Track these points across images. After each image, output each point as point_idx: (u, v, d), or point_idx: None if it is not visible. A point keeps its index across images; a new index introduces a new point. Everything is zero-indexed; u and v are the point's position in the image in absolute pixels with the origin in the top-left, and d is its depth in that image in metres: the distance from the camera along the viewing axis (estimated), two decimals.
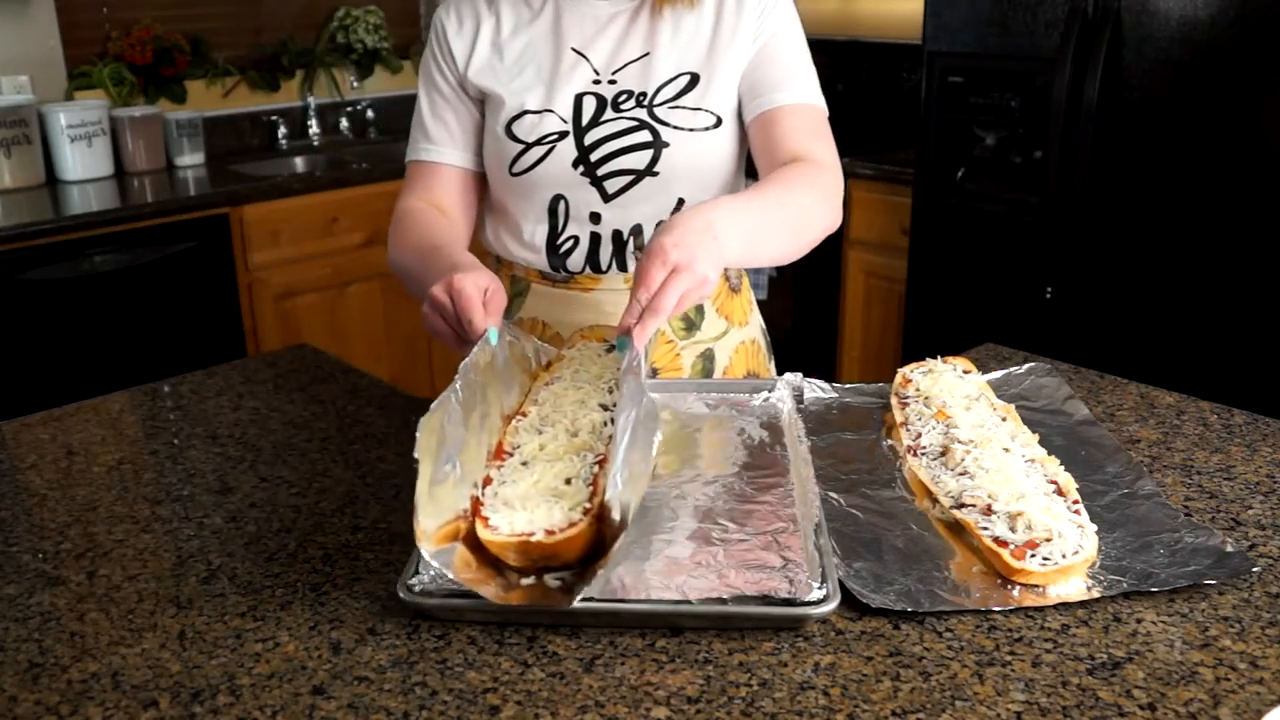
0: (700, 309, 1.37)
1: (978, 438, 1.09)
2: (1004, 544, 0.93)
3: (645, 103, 1.29)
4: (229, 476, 1.17)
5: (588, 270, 1.33)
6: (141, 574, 0.98)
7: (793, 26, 1.34)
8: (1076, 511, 0.97)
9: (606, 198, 1.30)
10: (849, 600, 0.90)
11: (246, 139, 3.48)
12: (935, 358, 1.31)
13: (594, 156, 1.28)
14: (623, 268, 1.33)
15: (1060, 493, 1.00)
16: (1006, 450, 1.07)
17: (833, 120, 1.36)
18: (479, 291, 1.05)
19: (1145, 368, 2.52)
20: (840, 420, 1.24)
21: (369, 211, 3.11)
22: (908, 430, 1.16)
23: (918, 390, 1.23)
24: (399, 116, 3.77)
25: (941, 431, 1.12)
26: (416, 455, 0.85)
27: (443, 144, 1.37)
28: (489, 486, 0.94)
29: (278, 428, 1.30)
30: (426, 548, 0.84)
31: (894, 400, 1.23)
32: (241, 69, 3.43)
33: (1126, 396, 1.35)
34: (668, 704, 0.79)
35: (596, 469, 0.95)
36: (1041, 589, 0.91)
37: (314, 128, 3.59)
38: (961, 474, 1.04)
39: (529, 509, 0.89)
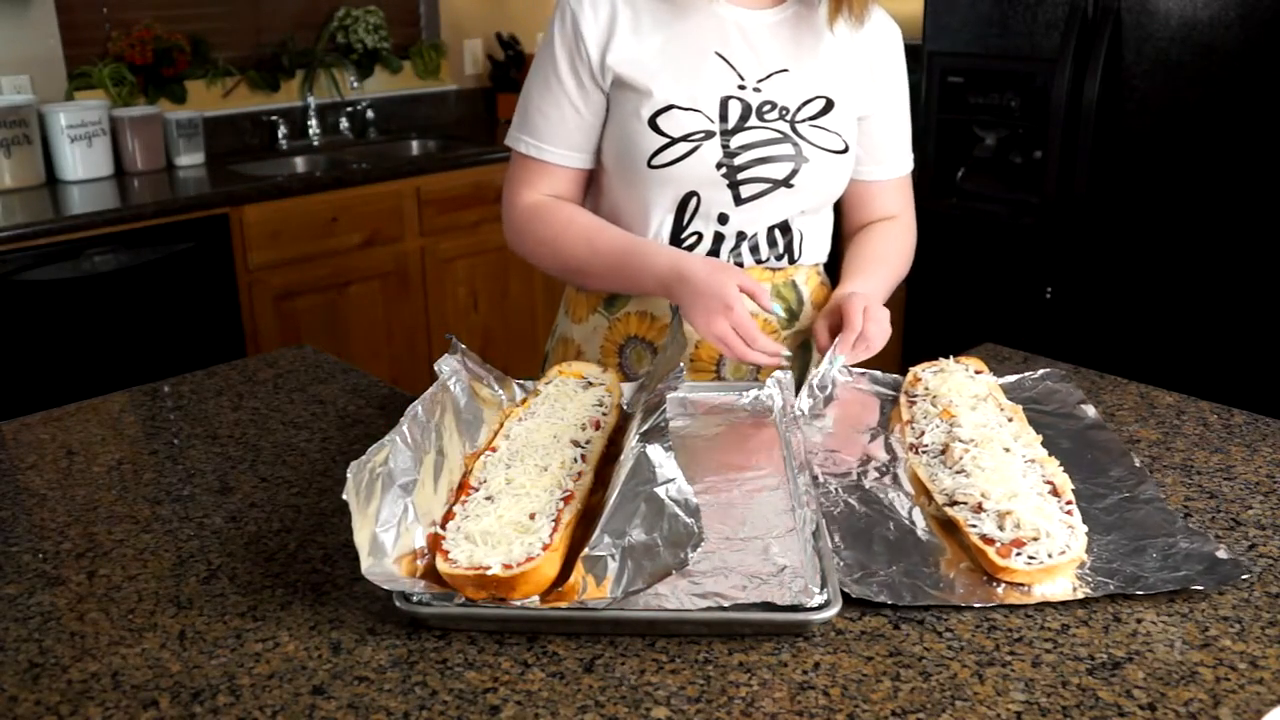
0: (801, 299, 1.40)
1: (979, 437, 1.09)
2: (990, 541, 0.93)
3: (788, 117, 1.31)
4: (229, 476, 1.17)
5: None
6: (141, 574, 0.98)
7: (906, 79, 1.44)
8: (1069, 512, 0.97)
9: (739, 201, 1.31)
10: (849, 601, 0.90)
11: (246, 139, 3.48)
12: (948, 357, 1.31)
13: (737, 161, 1.29)
14: (739, 264, 1.35)
15: (1055, 493, 1.00)
16: (1007, 450, 1.07)
17: None
18: (750, 320, 1.19)
19: (1145, 368, 2.52)
20: (847, 409, 1.25)
21: (369, 211, 3.11)
22: (912, 428, 1.16)
23: (926, 389, 1.23)
24: (399, 116, 3.77)
25: (944, 430, 1.12)
26: (345, 497, 0.87)
27: (556, 144, 1.34)
28: (451, 521, 0.94)
29: (278, 428, 1.30)
30: (387, 584, 0.86)
31: (903, 398, 1.24)
32: (241, 69, 3.43)
33: (1126, 396, 1.35)
34: (668, 704, 0.79)
35: (562, 505, 0.95)
36: (1027, 588, 0.91)
37: (314, 128, 3.59)
38: (958, 472, 1.04)
39: (490, 543, 0.89)
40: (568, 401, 1.16)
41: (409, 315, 3.27)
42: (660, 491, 0.87)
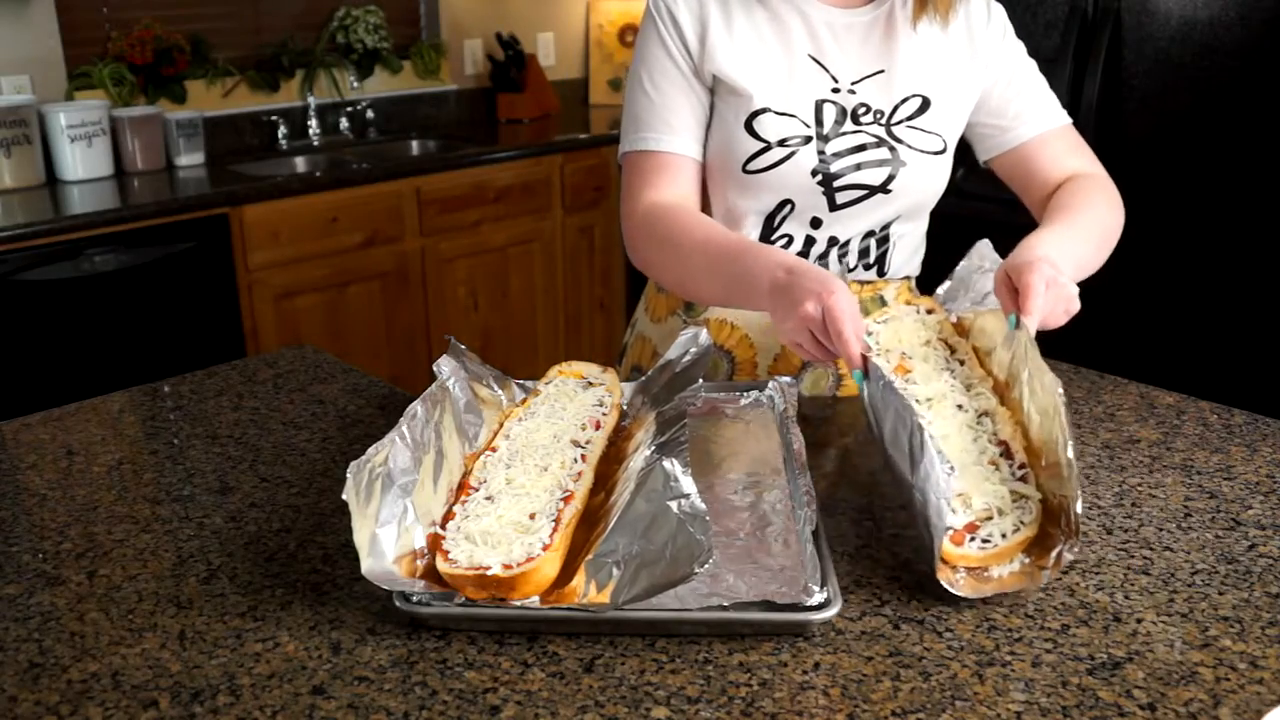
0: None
1: (934, 394, 1.06)
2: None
3: (883, 121, 1.28)
4: (229, 476, 1.17)
5: None
6: (141, 574, 0.98)
7: (1016, 42, 1.36)
8: (1023, 478, 0.96)
9: (833, 207, 1.29)
10: (849, 601, 0.90)
11: (246, 139, 3.48)
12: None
13: (834, 167, 1.27)
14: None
15: (1009, 455, 0.98)
16: (960, 408, 1.04)
17: None
18: (851, 308, 1.01)
19: (1145, 368, 2.52)
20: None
21: (369, 211, 3.11)
22: None
23: (878, 344, 1.15)
24: (399, 116, 3.77)
25: (901, 388, 1.07)
26: (345, 497, 0.87)
27: (679, 132, 1.29)
28: (451, 521, 0.94)
29: (278, 428, 1.30)
30: (387, 584, 0.86)
31: None
32: (241, 69, 3.43)
33: (1126, 396, 1.35)
34: (668, 704, 0.79)
35: (562, 505, 0.95)
36: (984, 570, 0.91)
37: (314, 128, 3.59)
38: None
39: (490, 543, 0.89)
40: (568, 401, 1.16)
41: (409, 315, 3.28)
42: (673, 505, 0.87)
